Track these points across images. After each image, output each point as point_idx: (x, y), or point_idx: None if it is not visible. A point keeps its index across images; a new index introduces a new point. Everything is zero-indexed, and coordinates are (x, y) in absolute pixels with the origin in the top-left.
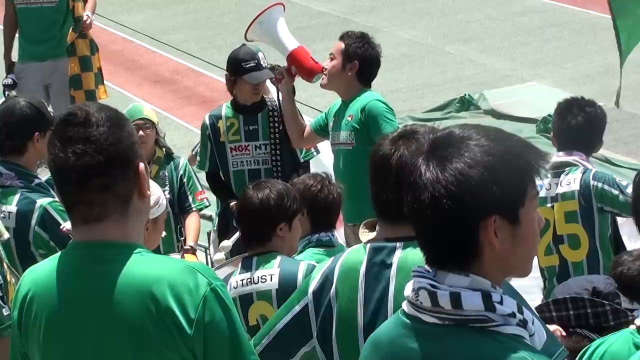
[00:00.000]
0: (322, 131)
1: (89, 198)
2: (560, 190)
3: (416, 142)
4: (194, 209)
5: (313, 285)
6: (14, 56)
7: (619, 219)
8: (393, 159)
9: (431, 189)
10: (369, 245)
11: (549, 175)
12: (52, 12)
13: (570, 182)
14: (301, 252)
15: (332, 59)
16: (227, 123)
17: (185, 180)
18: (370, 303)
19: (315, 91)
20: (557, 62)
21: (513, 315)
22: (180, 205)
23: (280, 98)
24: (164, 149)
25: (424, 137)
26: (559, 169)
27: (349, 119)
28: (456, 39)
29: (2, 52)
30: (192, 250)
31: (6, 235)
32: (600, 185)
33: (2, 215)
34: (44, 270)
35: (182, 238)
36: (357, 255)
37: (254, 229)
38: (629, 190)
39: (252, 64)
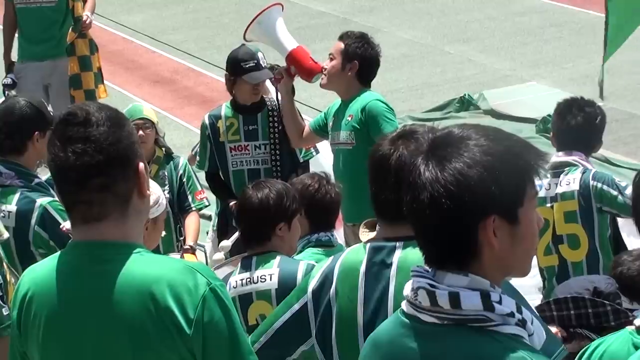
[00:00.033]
0: (321, 131)
1: (88, 197)
2: (559, 190)
3: (415, 142)
4: (193, 208)
5: (312, 284)
6: (14, 56)
7: (619, 219)
8: (392, 158)
9: (430, 189)
10: (368, 244)
11: (549, 175)
12: (51, 12)
13: (570, 182)
14: (300, 252)
15: (331, 59)
16: (226, 123)
17: (185, 179)
18: (370, 303)
19: (314, 91)
20: (556, 62)
21: (512, 314)
22: (179, 205)
23: (279, 98)
24: (163, 149)
25: (423, 137)
26: (558, 169)
27: (349, 118)
28: (456, 39)
29: (2, 52)
30: (192, 250)
31: (6, 234)
32: (599, 185)
33: (1, 214)
34: (43, 269)
35: (181, 238)
36: (356, 254)
37: (253, 229)
38: (628, 191)
39: (251, 64)
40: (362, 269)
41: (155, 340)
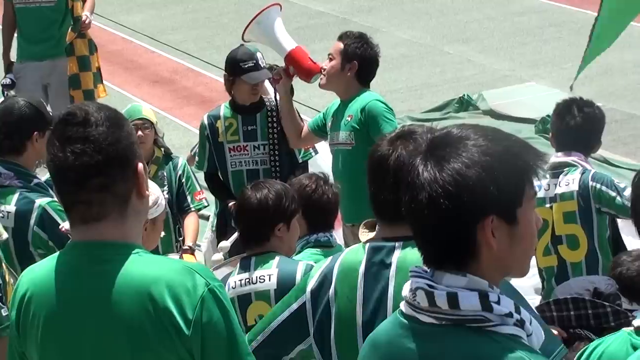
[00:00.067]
0: (320, 131)
1: (87, 198)
2: (559, 190)
3: (414, 143)
4: (192, 209)
5: (311, 284)
6: (13, 56)
7: (620, 220)
8: (391, 159)
9: (429, 189)
10: (367, 244)
11: (548, 176)
12: (50, 12)
13: (569, 182)
14: (299, 252)
15: (330, 59)
16: (225, 123)
17: (184, 180)
18: (370, 303)
19: (313, 91)
20: (555, 62)
21: (510, 315)
22: (178, 206)
23: (278, 98)
24: (162, 149)
25: (422, 137)
26: (557, 170)
27: (349, 119)
28: (455, 39)
29: (1, 52)
30: (191, 251)
31: (5, 235)
32: (598, 186)
33: (0, 215)
34: (42, 270)
35: (180, 238)
36: (356, 255)
37: (252, 229)
38: (627, 192)
39: (250, 64)
40: (361, 269)
41: (154, 340)
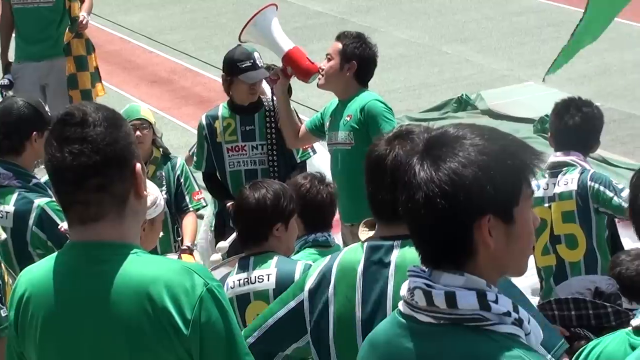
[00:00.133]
0: (317, 131)
1: (85, 198)
2: (557, 190)
3: (411, 142)
4: (191, 209)
5: (310, 283)
6: (11, 56)
7: (618, 221)
8: (388, 159)
9: (425, 189)
10: (366, 244)
11: (547, 175)
12: (48, 12)
13: (568, 182)
14: (298, 252)
15: (329, 60)
16: (223, 123)
17: (182, 180)
18: (369, 302)
19: (312, 91)
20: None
21: (508, 314)
22: (177, 206)
23: (275, 99)
24: (161, 149)
25: (419, 137)
26: (556, 169)
27: (348, 119)
28: (453, 39)
29: None
30: (190, 251)
31: (4, 236)
32: (596, 186)
33: None
34: (40, 270)
35: (179, 238)
36: (354, 254)
37: (250, 229)
38: (624, 193)
39: (247, 64)
40: (360, 268)
41: (152, 340)
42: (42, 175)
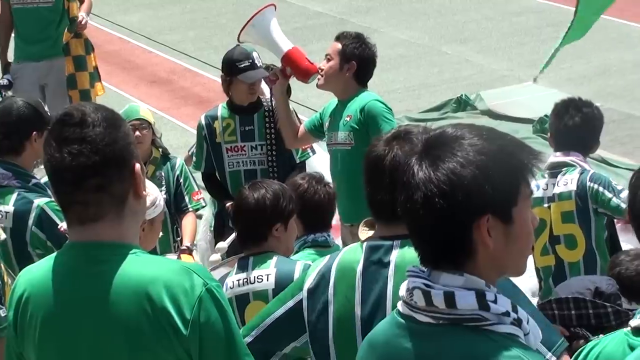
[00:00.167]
0: (316, 131)
1: (84, 198)
2: (557, 190)
3: (410, 143)
4: (190, 209)
5: (309, 283)
6: (10, 56)
7: (618, 223)
8: (387, 159)
9: (424, 189)
10: (365, 243)
11: (546, 176)
12: (48, 12)
13: (568, 182)
14: (297, 252)
15: (328, 60)
16: (223, 124)
17: (181, 180)
18: (368, 302)
19: (311, 91)
20: (553, 62)
21: (507, 314)
22: (176, 206)
23: (274, 99)
24: (160, 150)
25: (418, 137)
26: (556, 169)
27: (347, 119)
28: (453, 40)
29: None
30: (189, 251)
31: (3, 236)
32: (595, 187)
33: None
34: (39, 270)
35: (178, 238)
36: (354, 254)
37: (249, 229)
38: (623, 194)
39: (246, 64)
40: (359, 268)
41: (152, 340)
42: (41, 175)
